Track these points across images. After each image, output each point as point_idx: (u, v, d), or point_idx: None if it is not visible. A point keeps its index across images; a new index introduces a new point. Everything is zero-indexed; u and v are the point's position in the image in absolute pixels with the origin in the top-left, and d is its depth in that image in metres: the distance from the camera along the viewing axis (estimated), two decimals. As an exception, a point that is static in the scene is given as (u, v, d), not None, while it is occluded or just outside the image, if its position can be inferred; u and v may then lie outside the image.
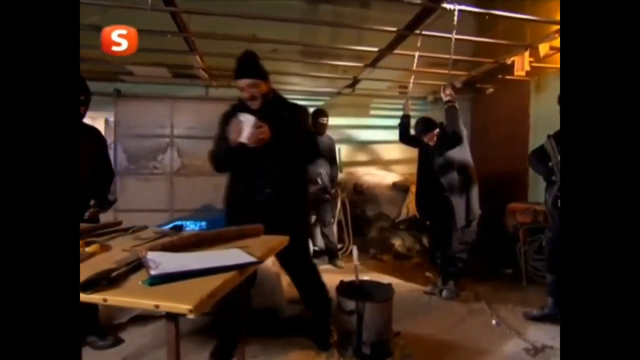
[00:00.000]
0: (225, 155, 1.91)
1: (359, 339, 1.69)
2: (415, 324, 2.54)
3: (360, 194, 4.62)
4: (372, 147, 5.24)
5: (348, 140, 5.29)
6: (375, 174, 4.78)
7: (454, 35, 2.92)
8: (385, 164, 5.10)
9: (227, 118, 1.95)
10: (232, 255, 1.23)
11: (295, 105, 2.06)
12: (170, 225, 1.86)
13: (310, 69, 4.76)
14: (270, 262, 3.00)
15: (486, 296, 3.05)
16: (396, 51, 3.64)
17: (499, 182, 4.47)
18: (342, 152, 5.25)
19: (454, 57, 3.05)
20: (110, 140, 4.21)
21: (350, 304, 1.72)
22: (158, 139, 4.60)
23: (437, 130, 3.12)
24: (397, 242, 4.28)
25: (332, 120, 5.29)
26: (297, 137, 1.88)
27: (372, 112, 5.33)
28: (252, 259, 1.15)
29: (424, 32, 3.21)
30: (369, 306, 1.72)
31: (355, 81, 4.81)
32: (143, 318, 2.48)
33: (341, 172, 5.18)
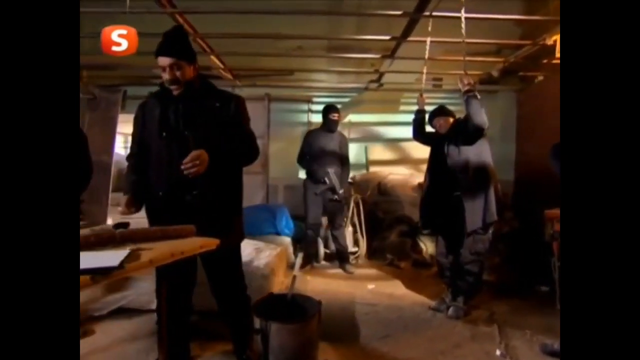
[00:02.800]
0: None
1: (265, 364, 1.44)
2: (401, 344, 2.25)
3: (383, 194, 4.31)
4: (402, 145, 4.86)
5: (376, 138, 4.99)
6: (401, 174, 4.42)
7: (464, 14, 2.53)
8: (415, 163, 4.70)
9: (144, 109, 1.79)
10: (105, 258, 1.15)
11: (229, 94, 1.76)
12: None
13: (336, 64, 4.57)
14: (262, 264, 2.91)
15: (503, 318, 2.60)
16: (410, 38, 3.31)
17: (547, 183, 3.82)
18: (370, 150, 4.97)
19: (467, 40, 2.65)
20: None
21: (258, 322, 1.48)
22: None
23: (452, 119, 2.80)
24: (418, 249, 3.90)
25: (359, 117, 5.06)
26: (232, 137, 1.67)
27: (402, 107, 4.95)
28: (106, 265, 1.05)
29: (434, 14, 2.85)
30: (276, 327, 1.44)
31: (380, 75, 4.51)
32: (129, 311, 2.55)
33: (367, 171, 4.91)
